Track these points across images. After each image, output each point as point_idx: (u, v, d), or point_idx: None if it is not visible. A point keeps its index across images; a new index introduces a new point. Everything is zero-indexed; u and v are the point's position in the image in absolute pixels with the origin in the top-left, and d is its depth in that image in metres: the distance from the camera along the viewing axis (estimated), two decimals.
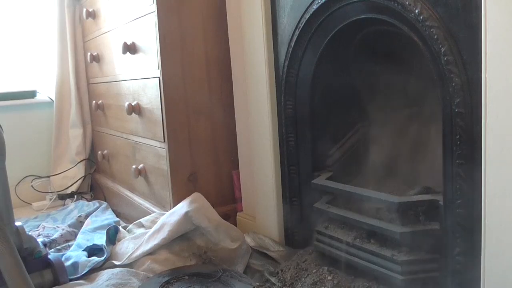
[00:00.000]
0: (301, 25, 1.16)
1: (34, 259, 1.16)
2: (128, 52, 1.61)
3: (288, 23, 1.21)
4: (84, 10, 2.05)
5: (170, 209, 1.42)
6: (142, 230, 1.44)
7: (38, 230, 1.73)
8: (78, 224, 1.75)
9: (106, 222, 1.68)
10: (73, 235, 1.63)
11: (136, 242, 1.33)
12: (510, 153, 0.73)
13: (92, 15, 2.01)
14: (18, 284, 0.97)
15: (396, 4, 0.91)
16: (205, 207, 1.33)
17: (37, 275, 1.16)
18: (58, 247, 1.53)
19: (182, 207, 1.32)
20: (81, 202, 2.09)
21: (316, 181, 1.22)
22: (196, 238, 1.29)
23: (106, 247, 1.33)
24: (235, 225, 1.50)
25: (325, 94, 1.24)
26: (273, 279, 1.15)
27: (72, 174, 2.26)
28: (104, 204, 1.96)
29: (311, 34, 1.16)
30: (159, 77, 1.46)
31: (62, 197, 2.21)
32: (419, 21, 0.86)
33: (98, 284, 1.15)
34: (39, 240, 1.23)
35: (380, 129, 1.25)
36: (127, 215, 1.84)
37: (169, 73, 1.45)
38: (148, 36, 1.49)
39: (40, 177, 2.30)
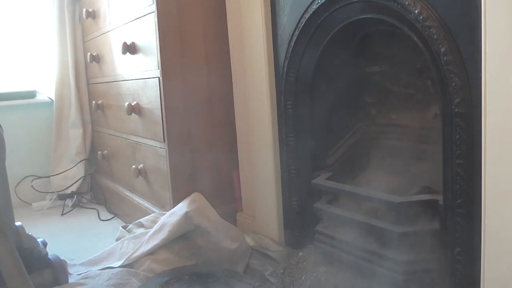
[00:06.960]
0: (301, 25, 1.16)
1: (34, 259, 1.16)
2: (128, 52, 1.60)
3: (288, 23, 1.21)
4: (84, 10, 2.05)
5: (170, 209, 1.42)
6: (142, 230, 1.44)
7: None
8: None
9: None
10: None
11: (136, 242, 1.33)
12: (510, 153, 0.73)
13: (92, 15, 2.01)
14: (18, 284, 0.97)
15: (396, 4, 0.90)
16: (205, 207, 1.32)
17: (37, 275, 1.16)
18: None
19: (182, 207, 1.32)
20: None
21: (316, 181, 1.22)
22: (196, 238, 1.29)
23: None
24: (235, 225, 1.49)
25: (325, 94, 1.24)
26: (273, 279, 1.15)
27: (72, 174, 2.25)
28: None
29: (311, 34, 1.16)
30: (159, 77, 1.45)
31: (62, 197, 2.21)
32: (419, 21, 0.86)
33: (98, 284, 1.15)
34: (39, 240, 1.23)
35: (380, 128, 1.25)
36: (127, 215, 1.84)
37: (169, 73, 1.45)
38: (148, 36, 1.49)
39: (40, 177, 2.30)
